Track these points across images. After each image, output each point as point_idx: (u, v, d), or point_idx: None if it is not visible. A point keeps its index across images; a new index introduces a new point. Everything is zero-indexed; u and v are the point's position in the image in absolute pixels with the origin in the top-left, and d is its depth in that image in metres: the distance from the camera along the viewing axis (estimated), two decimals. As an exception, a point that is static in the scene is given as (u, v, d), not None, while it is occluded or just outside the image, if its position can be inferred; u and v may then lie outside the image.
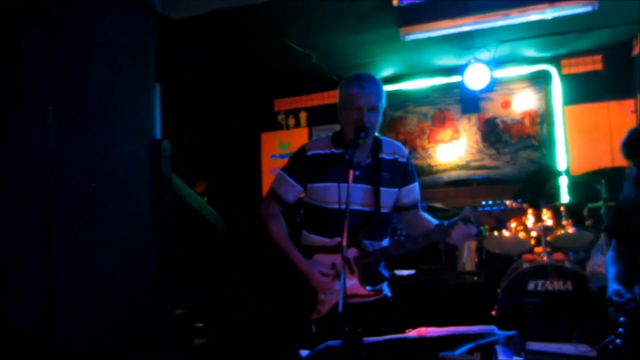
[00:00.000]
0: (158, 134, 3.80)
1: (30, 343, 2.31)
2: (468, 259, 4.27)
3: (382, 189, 2.09)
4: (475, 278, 3.61)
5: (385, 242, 2.18)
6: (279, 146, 6.43)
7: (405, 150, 2.21)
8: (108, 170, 3.02)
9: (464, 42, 4.81)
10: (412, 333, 1.55)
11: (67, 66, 2.75)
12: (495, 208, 1.93)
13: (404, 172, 2.17)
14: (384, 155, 2.13)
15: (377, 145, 2.14)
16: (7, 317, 2.22)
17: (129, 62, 3.29)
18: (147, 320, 3.14)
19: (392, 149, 2.17)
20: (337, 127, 2.20)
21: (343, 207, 1.80)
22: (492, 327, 1.57)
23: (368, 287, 2.07)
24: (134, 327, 3.03)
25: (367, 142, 2.07)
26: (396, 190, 2.15)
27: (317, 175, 2.11)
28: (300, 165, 2.16)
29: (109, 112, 3.08)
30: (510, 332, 1.78)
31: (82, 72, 2.91)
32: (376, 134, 2.14)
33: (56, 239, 2.38)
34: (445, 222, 1.99)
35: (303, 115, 6.34)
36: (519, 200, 1.93)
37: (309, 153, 2.14)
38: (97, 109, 3.00)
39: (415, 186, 2.22)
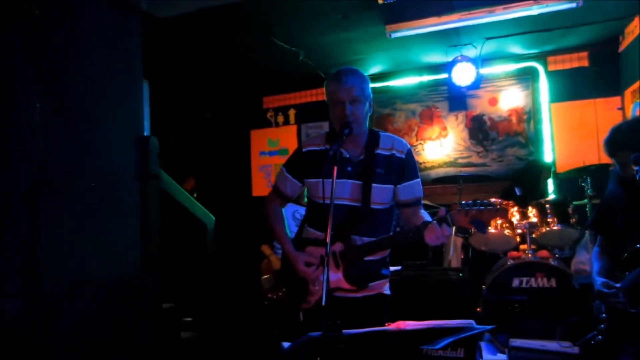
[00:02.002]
0: (146, 131, 3.81)
1: (17, 338, 2.31)
2: (454, 256, 4.29)
3: (374, 185, 2.07)
4: (461, 275, 3.62)
5: None
6: (268, 143, 6.44)
7: (406, 146, 2.16)
8: (95, 166, 3.04)
9: (450, 39, 4.83)
10: (391, 326, 1.56)
11: (53, 64, 2.76)
12: (474, 208, 1.82)
13: (401, 168, 2.12)
14: (380, 151, 2.11)
15: (373, 140, 2.13)
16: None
17: (115, 59, 3.29)
18: (133, 314, 3.16)
19: (390, 144, 2.14)
20: (326, 124, 2.25)
21: (328, 201, 1.81)
22: (470, 321, 1.57)
23: (352, 283, 2.07)
24: (119, 321, 3.05)
25: (358, 135, 2.07)
26: (391, 186, 2.11)
27: (311, 171, 2.15)
28: (297, 161, 2.23)
29: (95, 109, 3.09)
30: (488, 327, 1.78)
31: (68, 70, 2.91)
32: (368, 127, 2.16)
33: (42, 234, 2.39)
34: (432, 222, 1.94)
35: (292, 113, 6.34)
36: (500, 201, 1.90)
37: (304, 149, 2.20)
38: (83, 106, 3.01)
39: (415, 183, 2.15)
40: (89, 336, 2.83)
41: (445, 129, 5.69)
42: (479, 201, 1.85)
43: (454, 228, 1.95)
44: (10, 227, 2.48)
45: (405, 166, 2.13)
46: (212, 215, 4.72)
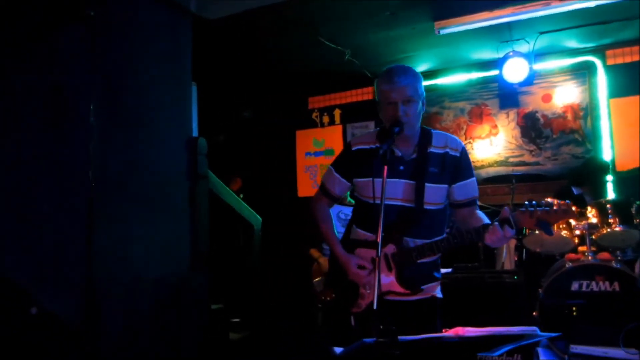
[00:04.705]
0: (195, 132, 3.88)
1: (71, 330, 2.40)
2: (507, 258, 4.15)
3: (427, 184, 2.00)
4: (515, 277, 3.49)
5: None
6: (314, 144, 6.44)
7: (460, 144, 2.08)
8: (146, 166, 3.13)
9: (502, 34, 4.68)
10: (449, 333, 1.49)
11: (107, 67, 2.85)
12: (539, 209, 1.76)
13: (456, 167, 2.04)
14: (432, 149, 2.05)
15: (425, 138, 2.07)
16: (50, 306, 2.32)
17: (165, 62, 3.37)
18: (182, 312, 3.22)
19: (444, 142, 2.07)
20: (372, 124, 2.19)
21: (379, 202, 1.76)
22: (534, 328, 1.48)
23: (406, 286, 2.00)
24: (169, 318, 3.11)
25: (409, 135, 2.01)
26: (445, 186, 2.04)
27: (361, 170, 2.10)
28: (346, 160, 2.19)
29: (146, 111, 3.18)
30: (554, 334, 1.70)
31: (120, 72, 3.01)
32: (422, 125, 2.10)
33: (97, 232, 2.47)
34: (494, 224, 1.85)
35: (337, 113, 6.31)
36: (567, 201, 1.77)
37: (354, 148, 2.15)
38: (135, 108, 3.10)
39: (470, 182, 2.08)
40: (139, 331, 2.91)
41: (495, 127, 5.52)
42: (543, 201, 1.78)
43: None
44: (68, 225, 2.58)
45: (460, 165, 2.06)
46: (258, 216, 4.76)
